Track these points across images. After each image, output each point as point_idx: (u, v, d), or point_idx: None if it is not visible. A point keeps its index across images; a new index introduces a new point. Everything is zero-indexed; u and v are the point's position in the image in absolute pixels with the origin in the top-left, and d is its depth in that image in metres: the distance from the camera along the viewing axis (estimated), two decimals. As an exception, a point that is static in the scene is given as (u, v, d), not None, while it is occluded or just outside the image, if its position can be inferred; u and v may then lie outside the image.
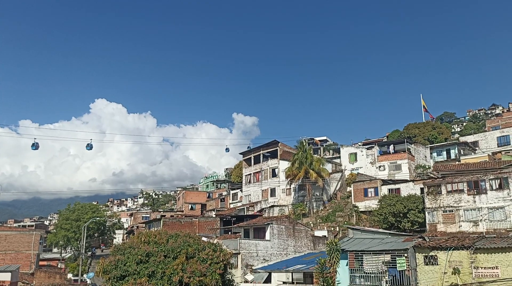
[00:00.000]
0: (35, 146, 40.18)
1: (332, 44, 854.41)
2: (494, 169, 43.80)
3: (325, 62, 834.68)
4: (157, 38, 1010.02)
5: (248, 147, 70.98)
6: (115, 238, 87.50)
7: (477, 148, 67.56)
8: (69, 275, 55.15)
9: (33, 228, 78.96)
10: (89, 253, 73.91)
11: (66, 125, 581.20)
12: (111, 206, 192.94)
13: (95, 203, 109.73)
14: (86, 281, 52.11)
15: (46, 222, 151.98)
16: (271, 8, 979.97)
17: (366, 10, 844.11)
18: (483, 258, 22.49)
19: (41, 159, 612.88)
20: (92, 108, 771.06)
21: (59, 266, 68.39)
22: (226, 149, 60.64)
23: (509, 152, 62.47)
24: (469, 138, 72.78)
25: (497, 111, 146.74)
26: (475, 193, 41.32)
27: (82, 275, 52.04)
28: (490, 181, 40.97)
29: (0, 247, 50.52)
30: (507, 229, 37.84)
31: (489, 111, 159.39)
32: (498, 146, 66.80)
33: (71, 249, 77.11)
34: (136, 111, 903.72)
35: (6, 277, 29.67)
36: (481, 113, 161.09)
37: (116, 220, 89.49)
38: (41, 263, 60.58)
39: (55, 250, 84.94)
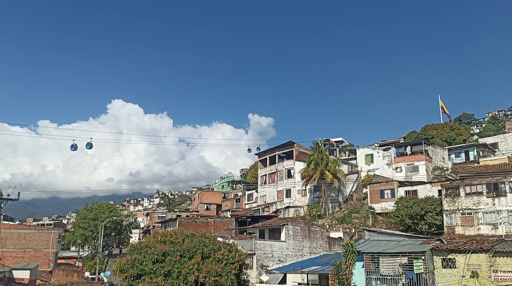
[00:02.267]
0: (74, 147, 40.93)
1: (349, 45, 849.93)
2: (514, 172, 42.98)
3: (342, 63, 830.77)
4: (174, 39, 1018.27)
5: (258, 149, 70.14)
6: (132, 237, 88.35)
7: (496, 150, 66.44)
8: (87, 274, 55.91)
9: (52, 226, 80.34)
10: (106, 252, 74.77)
11: (83, 125, 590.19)
12: (128, 206, 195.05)
13: (112, 202, 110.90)
14: (103, 280, 52.67)
15: (64, 221, 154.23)
16: (289, 10, 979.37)
17: (384, 10, 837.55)
18: (502, 261, 22.11)
19: (59, 158, 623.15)
20: (109, 108, 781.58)
21: (76, 264, 69.46)
22: (248, 149, 63.05)
23: (529, 154, 61.31)
24: (488, 140, 71.63)
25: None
26: (494, 195, 40.62)
27: (99, 273, 52.64)
28: (510, 184, 40.26)
29: (19, 245, 51.50)
30: (528, 233, 37.15)
31: (509, 112, 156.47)
32: (518, 148, 65.59)
33: (88, 247, 78.15)
34: (152, 111, 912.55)
35: (25, 274, 30.16)
36: (500, 114, 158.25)
37: (133, 220, 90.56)
38: (59, 261, 61.60)
39: (73, 248, 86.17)
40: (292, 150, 71.69)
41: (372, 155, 67.58)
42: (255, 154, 77.10)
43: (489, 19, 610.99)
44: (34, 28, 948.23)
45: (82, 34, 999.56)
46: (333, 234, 50.13)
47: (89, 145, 42.30)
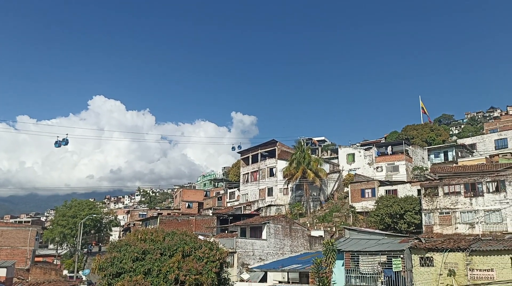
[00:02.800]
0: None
1: (332, 45, 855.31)
2: (491, 172, 43.90)
3: (325, 63, 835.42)
4: (156, 35, 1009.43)
5: (239, 147, 67.77)
6: (112, 235, 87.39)
7: (474, 151, 67.73)
8: (65, 272, 55.18)
9: (29, 224, 79.13)
10: (85, 250, 73.86)
11: (64, 121, 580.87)
12: (108, 203, 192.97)
13: (92, 200, 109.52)
14: (82, 278, 52.01)
15: (43, 218, 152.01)
16: (270, 8, 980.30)
17: (365, 12, 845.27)
18: (478, 260, 22.55)
19: (38, 155, 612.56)
20: (90, 104, 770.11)
21: (54, 262, 68.54)
22: (233, 148, 63.23)
23: (506, 155, 62.67)
24: (467, 141, 72.96)
25: (495, 114, 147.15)
26: (472, 195, 41.43)
27: (77, 271, 51.94)
28: (487, 184, 41.10)
29: (-4, 242, 50.46)
30: (503, 232, 38.00)
31: (487, 114, 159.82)
32: (495, 149, 66.97)
33: (67, 245, 77.06)
34: (134, 108, 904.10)
35: (2, 272, 29.66)
36: (479, 116, 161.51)
37: (113, 217, 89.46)
38: (37, 259, 60.58)
39: (51, 246, 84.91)
40: (275, 149, 71.86)
41: (353, 154, 68.21)
42: (238, 152, 77.10)
43: (470, 23, 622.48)
44: (10, 20, 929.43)
45: (62, 27, 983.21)
46: (314, 233, 50.43)
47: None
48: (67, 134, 41.38)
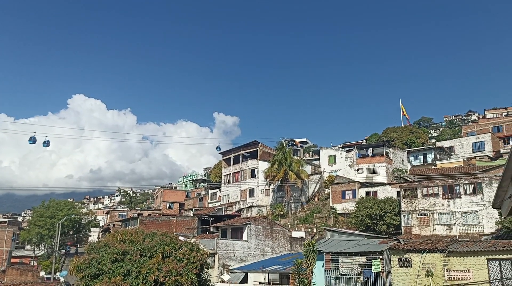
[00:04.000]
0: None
1: (314, 48, 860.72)
2: (468, 174, 44.80)
3: (307, 66, 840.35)
4: (138, 34, 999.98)
5: (217, 149, 65.52)
6: (91, 236, 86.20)
7: (452, 153, 68.90)
8: (42, 273, 54.24)
9: (6, 224, 77.28)
10: (63, 251, 72.63)
11: (42, 120, 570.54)
12: (87, 204, 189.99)
13: (71, 200, 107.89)
14: (59, 279, 51.15)
15: (20, 219, 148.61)
16: (254, 9, 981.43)
17: (348, 18, 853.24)
18: (455, 261, 22.93)
19: (16, 154, 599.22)
20: (69, 103, 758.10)
21: (31, 263, 67.16)
22: (217, 148, 62.89)
23: (483, 158, 63.92)
24: (446, 143, 74.13)
25: (473, 118, 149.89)
26: (450, 197, 42.16)
27: (55, 273, 51.05)
28: (464, 186, 41.87)
29: (-30, 243, 49.27)
30: (480, 233, 38.76)
31: (465, 117, 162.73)
32: (473, 152, 68.20)
33: (44, 246, 75.70)
34: (115, 107, 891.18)
35: (-24, 274, 28.94)
36: (457, 119, 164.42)
37: (92, 218, 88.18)
38: (13, 260, 59.41)
39: (28, 247, 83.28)
40: (257, 150, 71.87)
41: (335, 156, 68.70)
42: (220, 153, 76.88)
43: (449, 29, 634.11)
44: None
45: (41, 24, 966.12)
46: (295, 234, 50.61)
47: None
48: (46, 137, 40.13)
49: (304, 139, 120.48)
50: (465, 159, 62.22)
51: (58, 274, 51.13)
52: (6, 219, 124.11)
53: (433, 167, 58.69)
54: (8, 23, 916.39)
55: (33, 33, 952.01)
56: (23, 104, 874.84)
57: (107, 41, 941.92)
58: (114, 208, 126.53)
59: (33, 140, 38.96)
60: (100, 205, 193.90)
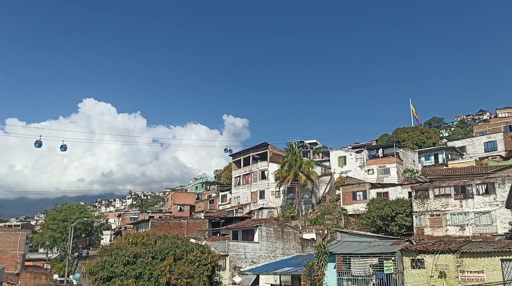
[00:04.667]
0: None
1: (324, 49, 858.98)
2: (481, 174, 44.32)
3: (316, 66, 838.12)
4: (147, 37, 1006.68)
5: (227, 151, 63.96)
6: (103, 239, 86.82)
7: (464, 153, 68.28)
8: (55, 276, 54.72)
9: (19, 228, 78.10)
10: (76, 253, 73.24)
11: (53, 124, 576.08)
12: (99, 207, 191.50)
13: (83, 203, 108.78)
14: (72, 282, 51.61)
15: (33, 222, 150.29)
16: (262, 12, 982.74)
17: (358, 16, 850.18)
18: (469, 262, 22.71)
19: (28, 158, 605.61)
20: (80, 107, 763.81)
21: (45, 266, 67.85)
22: (225, 149, 62.23)
23: (495, 158, 63.27)
24: (457, 143, 73.48)
25: (485, 117, 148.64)
26: (462, 197, 41.75)
27: (68, 276, 51.53)
28: (477, 186, 41.42)
29: (-15, 247, 49.89)
30: (493, 234, 38.31)
31: (476, 117, 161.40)
32: (485, 152, 67.55)
33: (57, 249, 76.39)
34: (125, 111, 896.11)
35: (-9, 277, 29.31)
36: (468, 119, 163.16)
37: (104, 221, 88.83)
38: (26, 263, 60.02)
39: (41, 250, 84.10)
40: (266, 152, 71.88)
41: (345, 157, 68.46)
42: (229, 155, 76.96)
43: (460, 28, 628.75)
44: None
45: (52, 29, 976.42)
46: (306, 235, 50.49)
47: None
48: (63, 141, 41.51)
49: (314, 141, 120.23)
50: (477, 159, 61.61)
51: (71, 276, 51.63)
52: (19, 223, 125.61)
53: (444, 167, 58.18)
54: (19, 29, 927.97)
55: (45, 39, 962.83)
56: (35, 109, 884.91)
57: (116, 45, 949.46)
58: (125, 211, 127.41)
59: (38, 144, 39.51)
60: (111, 208, 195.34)
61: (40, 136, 39.84)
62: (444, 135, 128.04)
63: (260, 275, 35.62)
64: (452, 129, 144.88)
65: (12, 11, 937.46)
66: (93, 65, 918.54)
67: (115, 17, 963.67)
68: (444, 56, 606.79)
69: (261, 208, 65.28)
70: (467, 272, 22.63)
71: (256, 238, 42.58)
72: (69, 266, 55.94)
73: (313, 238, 49.40)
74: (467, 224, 40.52)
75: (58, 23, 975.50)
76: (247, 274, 36.67)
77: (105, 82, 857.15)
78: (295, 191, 62.01)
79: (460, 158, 64.78)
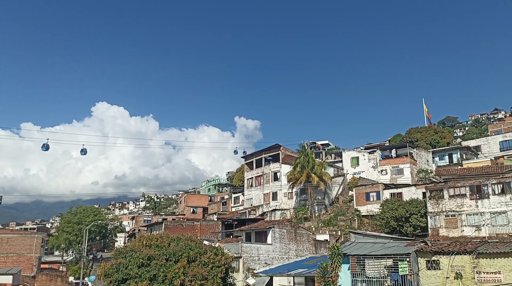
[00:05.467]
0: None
1: (335, 49, 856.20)
2: (496, 174, 43.64)
3: (328, 66, 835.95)
4: (159, 41, 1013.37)
5: (238, 152, 63.51)
6: (117, 241, 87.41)
7: (479, 153, 67.40)
8: (71, 278, 55.15)
9: (35, 231, 79.26)
10: (91, 256, 73.86)
11: (67, 128, 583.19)
12: (113, 209, 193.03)
13: (97, 206, 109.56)
14: (88, 284, 52.01)
15: (48, 225, 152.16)
16: (274, 13, 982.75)
17: (369, 15, 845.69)
18: (485, 263, 22.43)
19: (43, 162, 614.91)
20: (93, 111, 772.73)
21: (60, 269, 68.54)
22: (235, 151, 62.18)
23: (511, 157, 62.32)
24: (472, 143, 72.59)
25: (500, 116, 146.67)
26: (478, 197, 41.18)
27: (83, 278, 51.97)
28: (493, 186, 40.84)
29: (1, 250, 50.55)
30: (510, 234, 37.71)
31: (491, 116, 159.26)
32: (500, 151, 66.61)
33: (72, 252, 77.07)
34: (138, 114, 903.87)
35: (8, 280, 29.76)
36: (483, 118, 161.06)
37: (118, 223, 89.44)
38: (42, 266, 60.66)
39: (56, 253, 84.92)
40: (279, 153, 71.81)
41: (357, 158, 68.07)
42: (242, 157, 77.00)
43: (473, 25, 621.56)
44: (14, 27, 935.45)
45: (65, 34, 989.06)
46: (319, 237, 50.26)
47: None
48: (83, 145, 42.32)
49: (326, 141, 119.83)
50: (493, 159, 60.76)
51: (86, 279, 51.98)
52: (35, 226, 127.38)
53: (459, 167, 57.46)
54: (33, 34, 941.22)
55: (58, 44, 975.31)
56: (49, 113, 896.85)
57: (129, 49, 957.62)
58: (139, 214, 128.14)
59: (46, 147, 40.04)
60: (125, 211, 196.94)
61: (47, 139, 40.53)
62: (458, 134, 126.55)
63: (273, 277, 35.56)
64: (467, 128, 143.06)
65: (26, 18, 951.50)
66: (106, 69, 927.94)
67: (129, 22, 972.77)
68: (458, 54, 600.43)
69: (274, 210, 65.20)
70: (484, 273, 22.35)
71: (269, 240, 42.53)
72: (84, 269, 56.44)
73: (327, 240, 49.16)
74: (483, 225, 39.95)
75: (72, 29, 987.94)
76: (261, 276, 36.64)
77: (118, 86, 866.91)
78: (308, 192, 61.82)
79: (475, 158, 63.98)
